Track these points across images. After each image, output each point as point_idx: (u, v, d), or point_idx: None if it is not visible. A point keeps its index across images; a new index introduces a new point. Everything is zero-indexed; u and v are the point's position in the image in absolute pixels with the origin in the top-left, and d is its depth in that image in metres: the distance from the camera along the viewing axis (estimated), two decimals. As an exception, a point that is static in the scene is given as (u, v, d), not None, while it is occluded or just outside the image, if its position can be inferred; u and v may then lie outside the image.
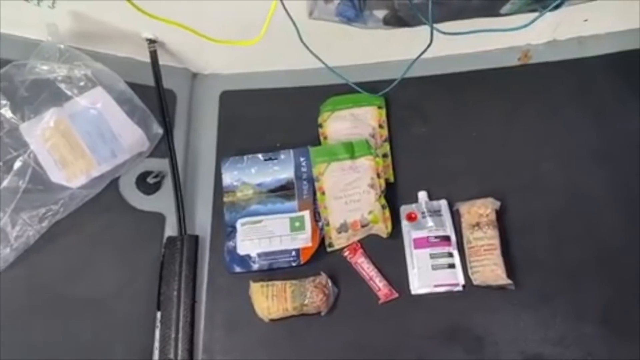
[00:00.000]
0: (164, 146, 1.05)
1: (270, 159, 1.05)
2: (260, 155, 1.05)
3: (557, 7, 0.78)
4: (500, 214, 0.96)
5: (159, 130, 1.04)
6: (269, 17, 0.87)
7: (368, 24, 0.82)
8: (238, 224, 1.01)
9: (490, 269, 0.91)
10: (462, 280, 0.94)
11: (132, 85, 1.04)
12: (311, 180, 1.03)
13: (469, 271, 0.94)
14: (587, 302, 0.90)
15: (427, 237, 0.97)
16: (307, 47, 0.87)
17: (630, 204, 0.95)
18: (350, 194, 1.00)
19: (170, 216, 1.02)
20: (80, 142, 0.98)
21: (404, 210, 1.00)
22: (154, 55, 1.06)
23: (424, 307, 0.94)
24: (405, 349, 0.91)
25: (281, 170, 1.04)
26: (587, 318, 0.89)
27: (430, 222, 0.98)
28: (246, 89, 1.15)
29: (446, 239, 0.97)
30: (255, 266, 0.98)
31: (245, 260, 0.98)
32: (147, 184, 1.02)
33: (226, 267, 0.99)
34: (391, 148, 1.06)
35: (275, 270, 0.98)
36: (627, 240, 0.93)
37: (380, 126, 1.07)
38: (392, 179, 1.04)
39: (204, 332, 0.96)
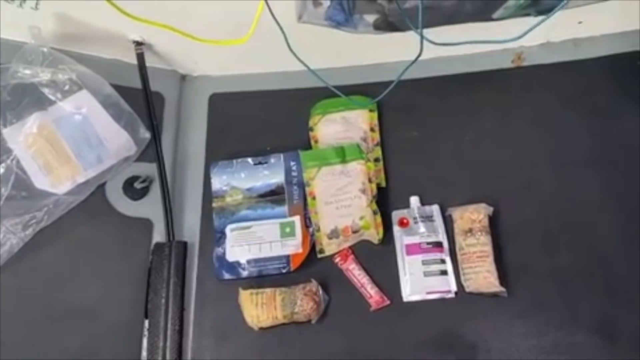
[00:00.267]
0: (152, 150, 1.03)
1: (260, 163, 1.03)
2: (250, 160, 1.04)
3: (550, 10, 0.76)
4: (493, 220, 0.95)
5: (146, 134, 1.02)
6: (257, 17, 0.85)
7: (358, 28, 0.80)
8: (227, 230, 0.99)
9: (483, 276, 0.90)
10: (454, 287, 0.93)
11: (119, 88, 1.02)
12: (302, 185, 1.01)
13: (462, 278, 0.92)
14: (580, 309, 0.88)
15: (419, 243, 0.96)
16: (294, 53, 0.86)
17: (625, 209, 0.94)
18: (342, 199, 0.98)
19: (158, 222, 1.00)
20: (66, 147, 0.96)
21: (396, 215, 0.99)
22: (141, 58, 1.04)
23: (416, 315, 0.92)
24: (397, 357, 0.90)
25: (271, 175, 1.03)
26: (581, 326, 0.87)
27: (422, 228, 0.97)
28: (236, 91, 1.14)
29: (438, 245, 0.96)
30: (245, 273, 0.96)
31: (234, 266, 0.97)
32: (134, 189, 1.01)
33: (215, 273, 0.97)
34: (383, 152, 1.04)
35: (265, 277, 0.96)
36: (621, 247, 0.91)
37: (372, 130, 1.05)
38: (383, 184, 1.02)
39: (192, 341, 0.94)
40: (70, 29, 1.00)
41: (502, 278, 0.90)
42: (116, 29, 1.00)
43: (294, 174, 1.02)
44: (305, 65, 0.93)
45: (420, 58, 0.85)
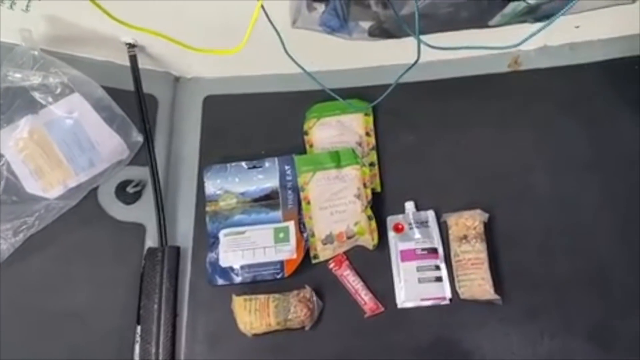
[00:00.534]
0: (145, 154, 1.01)
1: (254, 167, 1.02)
2: (244, 164, 1.03)
3: (548, 17, 0.75)
4: (489, 226, 0.94)
5: (139, 137, 1.01)
6: (251, 25, 0.83)
7: (353, 35, 0.79)
8: (221, 235, 0.98)
9: (478, 284, 0.89)
10: (449, 294, 0.92)
11: (112, 90, 1.00)
12: (296, 190, 1.00)
13: (456, 285, 0.92)
14: (576, 318, 0.88)
15: (414, 249, 0.95)
16: (290, 56, 0.84)
17: (623, 217, 0.93)
18: (336, 204, 0.98)
19: (151, 227, 0.99)
20: (57, 151, 0.95)
21: (391, 221, 0.98)
22: (133, 60, 1.03)
23: (410, 322, 0.92)
24: (391, 364, 0.90)
25: (265, 179, 1.02)
26: (577, 334, 0.87)
27: (417, 234, 0.96)
28: (231, 93, 1.12)
29: (433, 251, 0.95)
30: (238, 279, 0.96)
31: (227, 272, 0.96)
32: (126, 193, 1.00)
33: (208, 279, 0.97)
34: (378, 156, 1.03)
35: (259, 282, 0.95)
36: (619, 254, 0.91)
37: (368, 134, 1.04)
38: (378, 189, 1.01)
39: (185, 347, 0.94)
40: (62, 31, 0.98)
41: (497, 285, 0.90)
42: (108, 31, 0.99)
43: (289, 178, 1.01)
44: (302, 68, 0.92)
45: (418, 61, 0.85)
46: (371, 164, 1.02)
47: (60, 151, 0.95)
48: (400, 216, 0.98)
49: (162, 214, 0.98)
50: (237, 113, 1.11)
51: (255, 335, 0.92)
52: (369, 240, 0.95)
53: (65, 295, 0.92)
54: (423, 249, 0.95)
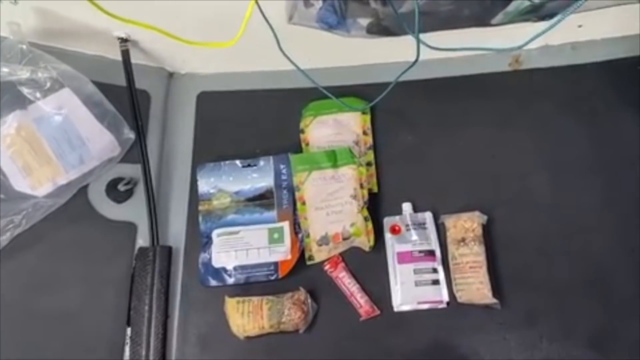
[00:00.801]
0: (136, 151, 0.99)
1: (249, 165, 1.00)
2: (238, 162, 1.01)
3: (551, 16, 0.73)
4: (487, 228, 0.93)
5: (130, 134, 0.99)
6: (245, 19, 0.81)
7: (351, 32, 0.77)
8: (214, 235, 0.96)
9: (476, 287, 0.88)
10: (446, 298, 0.91)
11: (103, 86, 0.98)
12: (291, 190, 0.98)
13: (454, 288, 0.90)
14: (575, 322, 0.87)
15: (411, 251, 0.93)
16: (285, 54, 0.82)
17: (623, 219, 0.92)
18: (332, 204, 0.96)
19: (142, 226, 0.97)
20: (46, 148, 0.92)
21: (388, 222, 0.96)
22: (126, 55, 1.00)
23: (406, 325, 0.90)
24: (387, 369, 0.88)
25: (260, 178, 1.00)
26: (575, 339, 0.86)
27: (414, 236, 0.94)
28: (225, 90, 1.10)
29: (431, 253, 0.93)
30: (231, 280, 0.94)
31: (220, 273, 0.94)
32: (117, 191, 0.98)
33: (201, 280, 0.95)
34: (375, 156, 1.02)
35: (252, 284, 0.93)
36: (619, 258, 0.90)
37: (365, 133, 1.03)
38: (375, 189, 1.00)
39: (176, 349, 0.92)
40: (52, 24, 0.96)
41: (496, 289, 0.88)
42: (100, 25, 0.96)
43: (284, 177, 0.99)
44: (295, 66, 0.90)
45: (415, 59, 0.83)
46: (368, 164, 1.00)
47: (50, 148, 0.92)
48: (397, 217, 0.96)
49: (154, 213, 0.97)
50: (232, 110, 1.09)
51: (248, 337, 0.90)
52: (365, 242, 0.94)
53: (53, 296, 0.90)
54: (420, 251, 0.93)
